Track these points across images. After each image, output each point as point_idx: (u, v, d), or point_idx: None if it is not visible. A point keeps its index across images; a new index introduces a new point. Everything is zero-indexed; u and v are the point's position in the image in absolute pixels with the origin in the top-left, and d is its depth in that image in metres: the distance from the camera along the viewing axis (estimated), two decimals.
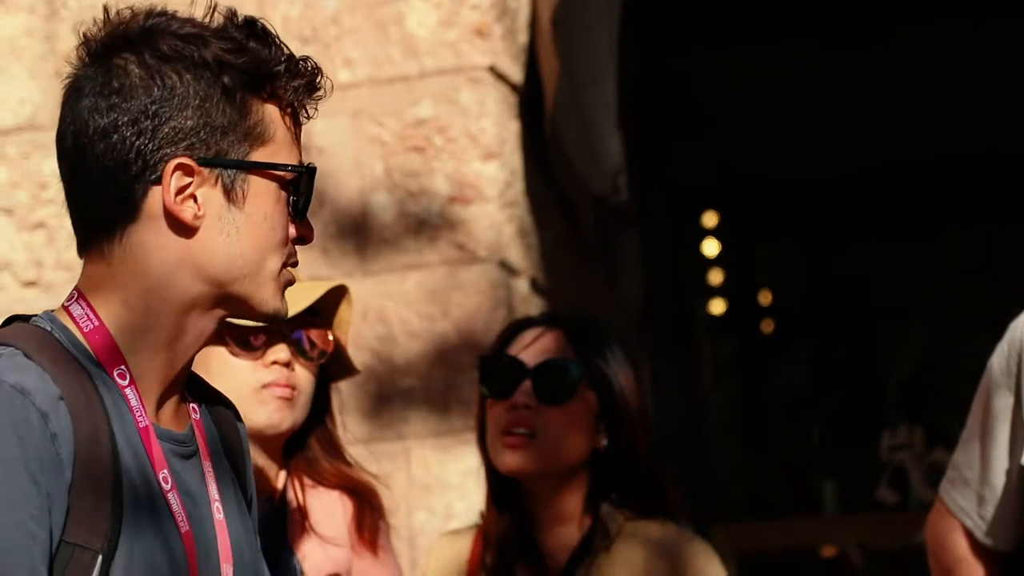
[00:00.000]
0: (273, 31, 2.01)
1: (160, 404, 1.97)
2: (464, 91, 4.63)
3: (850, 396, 6.73)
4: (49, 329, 1.94)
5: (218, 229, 1.95)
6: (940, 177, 6.01)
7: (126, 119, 1.95)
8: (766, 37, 5.93)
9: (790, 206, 6.44)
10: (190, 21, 1.99)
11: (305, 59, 2.01)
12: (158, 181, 1.94)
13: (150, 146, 1.94)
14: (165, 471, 1.94)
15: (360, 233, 4.63)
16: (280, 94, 1.99)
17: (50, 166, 4.87)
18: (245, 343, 2.87)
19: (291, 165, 1.99)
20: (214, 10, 2.00)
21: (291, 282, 2.01)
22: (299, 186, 2.00)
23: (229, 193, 1.96)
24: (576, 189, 5.05)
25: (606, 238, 5.45)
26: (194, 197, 1.95)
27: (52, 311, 1.98)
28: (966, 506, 2.84)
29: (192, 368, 2.04)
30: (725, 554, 6.17)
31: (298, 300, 2.88)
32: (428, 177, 4.60)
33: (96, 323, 1.94)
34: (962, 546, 2.86)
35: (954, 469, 2.88)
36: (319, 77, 2.01)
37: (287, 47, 2.01)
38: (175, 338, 1.96)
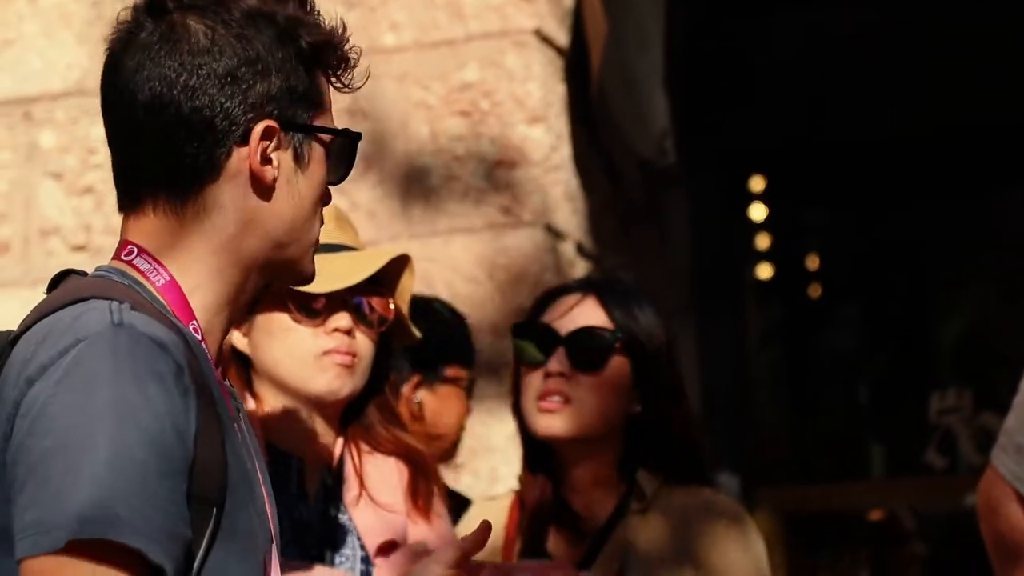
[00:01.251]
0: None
1: (216, 362, 1.99)
2: (510, 55, 4.62)
3: (900, 359, 6.70)
4: (128, 284, 1.93)
5: (286, 192, 1.98)
6: (991, 137, 5.96)
7: (215, 80, 1.95)
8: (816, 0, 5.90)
9: (839, 169, 6.41)
10: None
11: (345, 29, 2.05)
12: (244, 142, 1.95)
13: (240, 108, 1.95)
14: (241, 423, 1.97)
15: (406, 197, 4.63)
16: (329, 62, 2.02)
17: (98, 132, 4.89)
18: (307, 309, 2.87)
19: (350, 131, 2.03)
20: None
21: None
22: (340, 151, 2.03)
23: (298, 157, 1.99)
24: (622, 152, 5.03)
25: (652, 201, 5.44)
26: (271, 159, 1.97)
27: (111, 266, 1.96)
28: (1020, 472, 2.80)
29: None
30: (770, 516, 6.15)
31: (362, 268, 2.88)
32: (474, 141, 4.60)
33: (167, 278, 1.94)
34: (1016, 512, 2.81)
35: (1006, 435, 2.83)
36: (353, 49, 2.05)
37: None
38: (235, 297, 1.98)
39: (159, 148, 1.95)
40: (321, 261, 2.12)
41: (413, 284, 3.03)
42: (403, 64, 4.65)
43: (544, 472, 3.06)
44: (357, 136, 2.05)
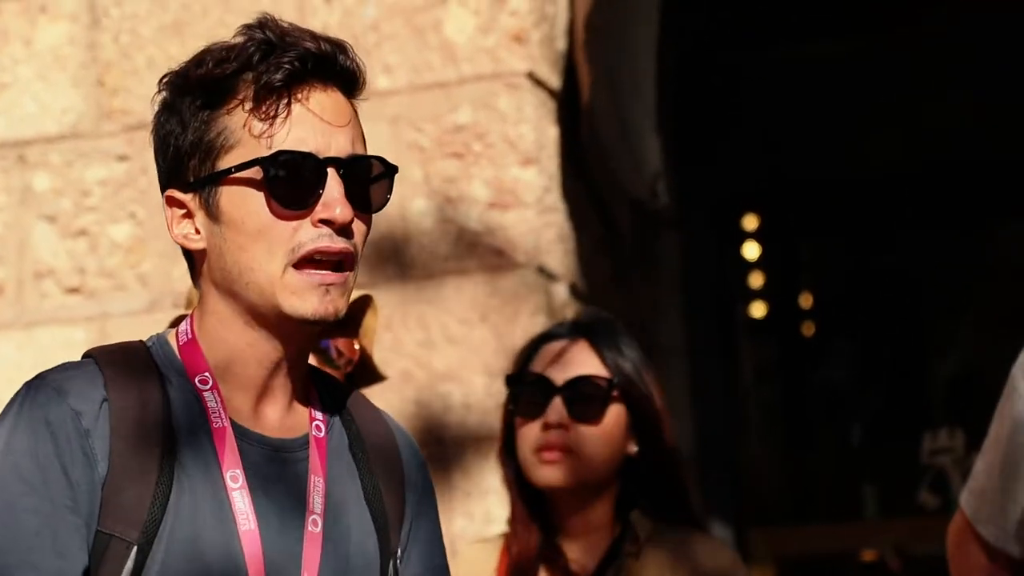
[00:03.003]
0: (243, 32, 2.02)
1: (258, 410, 2.03)
2: (502, 97, 4.64)
3: (894, 398, 6.69)
4: (151, 344, 2.06)
5: (213, 245, 2.03)
6: (986, 172, 5.97)
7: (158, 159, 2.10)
8: (806, 35, 5.91)
9: (832, 207, 6.41)
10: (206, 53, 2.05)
11: (255, 47, 2.00)
12: None
13: (163, 182, 2.07)
14: (236, 471, 1.99)
15: (399, 239, 4.65)
16: (225, 93, 2.01)
17: (92, 174, 4.92)
18: None
19: (242, 163, 2.00)
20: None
21: (326, 282, 1.99)
22: (276, 174, 1.99)
23: (208, 210, 2.03)
24: (614, 193, 5.05)
25: (645, 242, 5.45)
26: (193, 223, 2.04)
27: (166, 330, 2.10)
28: (986, 516, 2.81)
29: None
30: (764, 559, 6.13)
31: None
32: (466, 183, 4.62)
33: (188, 337, 2.05)
34: (982, 556, 2.82)
35: (974, 479, 2.84)
36: (277, 56, 2.00)
37: (258, 36, 2.00)
38: (241, 350, 2.03)
39: None
40: None
41: (377, 323, 3.04)
42: (396, 106, 4.67)
43: (537, 517, 3.05)
44: (260, 161, 1.99)
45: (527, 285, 4.56)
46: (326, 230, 1.99)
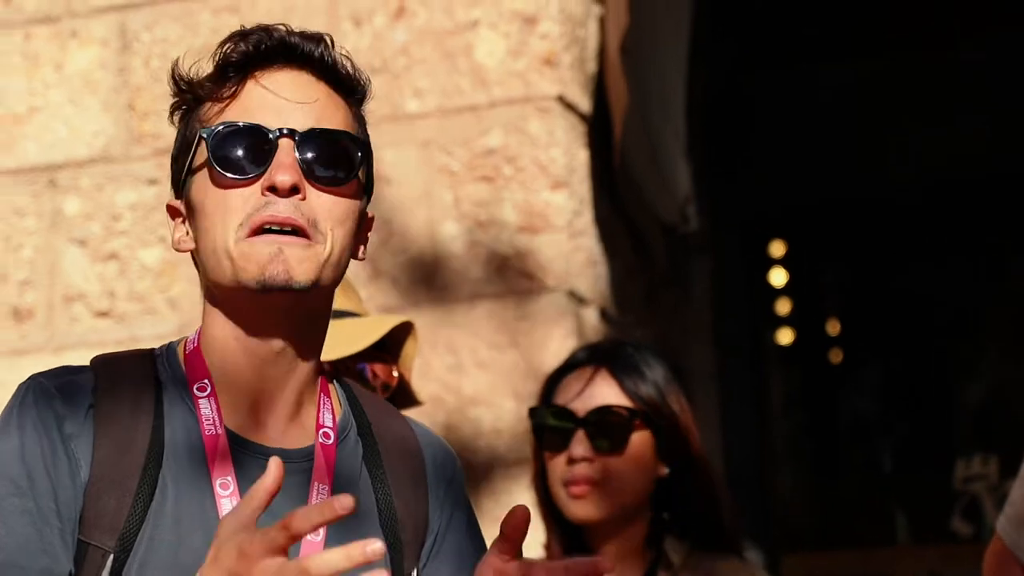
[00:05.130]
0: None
1: (259, 420, 2.01)
2: (533, 120, 4.63)
3: (922, 424, 6.67)
4: (158, 353, 2.06)
5: (196, 239, 2.04)
6: (1006, 195, 5.95)
7: None
8: (830, 58, 5.91)
9: (859, 230, 6.40)
10: None
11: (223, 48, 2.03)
12: None
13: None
14: (227, 478, 1.97)
15: (429, 263, 4.64)
16: (199, 95, 2.04)
17: (123, 198, 4.93)
18: None
19: (197, 143, 2.03)
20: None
21: (279, 242, 1.96)
22: (216, 146, 1.99)
23: (188, 206, 2.06)
24: (645, 218, 5.04)
25: (675, 267, 5.43)
26: (185, 225, 2.06)
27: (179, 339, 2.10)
28: (1021, 542, 2.78)
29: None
30: None
31: (365, 335, 2.89)
32: (497, 207, 4.61)
33: (195, 346, 2.05)
34: None
35: (1011, 505, 2.82)
36: (235, 46, 2.02)
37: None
38: (232, 349, 2.02)
39: None
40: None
41: (417, 351, 3.03)
42: (426, 130, 4.67)
43: (573, 544, 3.03)
44: (220, 125, 2.00)
45: (557, 309, 4.55)
46: (273, 198, 1.97)
